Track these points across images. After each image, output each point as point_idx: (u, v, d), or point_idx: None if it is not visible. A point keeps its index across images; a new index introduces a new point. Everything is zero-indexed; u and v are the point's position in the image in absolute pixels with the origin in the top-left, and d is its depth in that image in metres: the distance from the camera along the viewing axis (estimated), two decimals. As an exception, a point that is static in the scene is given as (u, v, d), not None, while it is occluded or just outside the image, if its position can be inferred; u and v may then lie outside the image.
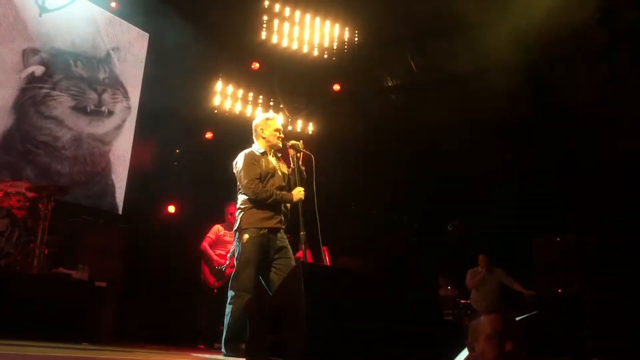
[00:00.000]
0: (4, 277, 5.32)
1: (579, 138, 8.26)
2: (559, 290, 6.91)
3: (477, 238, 7.99)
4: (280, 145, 4.75)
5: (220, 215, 7.32)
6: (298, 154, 4.69)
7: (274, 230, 4.54)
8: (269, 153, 4.75)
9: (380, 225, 9.16)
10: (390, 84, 9.81)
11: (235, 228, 4.61)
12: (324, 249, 5.20)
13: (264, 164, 4.62)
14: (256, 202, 4.51)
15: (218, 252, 6.97)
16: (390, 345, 3.74)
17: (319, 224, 4.51)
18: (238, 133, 9.04)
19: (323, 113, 9.14)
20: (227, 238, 7.07)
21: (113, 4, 7.83)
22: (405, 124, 10.04)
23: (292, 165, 4.71)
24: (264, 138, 4.74)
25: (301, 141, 4.78)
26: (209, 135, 9.05)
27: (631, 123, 7.53)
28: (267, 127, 4.75)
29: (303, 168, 4.70)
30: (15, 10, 6.92)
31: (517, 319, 4.51)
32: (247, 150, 4.72)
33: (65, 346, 4.80)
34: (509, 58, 7.70)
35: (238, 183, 4.66)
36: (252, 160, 4.62)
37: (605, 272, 6.92)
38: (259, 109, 9.17)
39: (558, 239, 7.08)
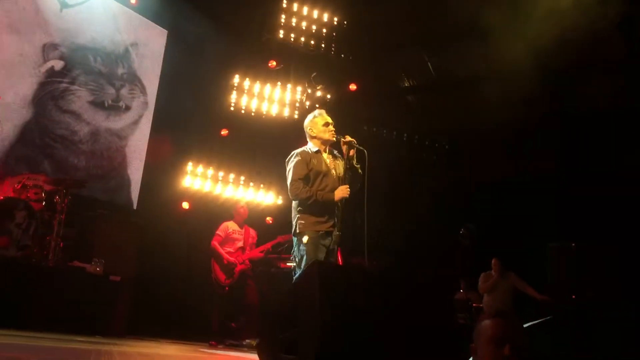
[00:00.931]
0: (21, 268, 5.39)
1: (597, 144, 8.19)
2: (573, 297, 6.84)
3: (492, 242, 7.93)
4: (334, 139, 4.63)
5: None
6: (351, 150, 4.57)
7: (328, 233, 4.47)
8: (323, 151, 4.66)
9: (397, 227, 9.16)
10: (407, 84, 9.78)
11: (293, 233, 4.53)
12: (337, 249, 5.19)
13: (315, 163, 4.54)
14: (304, 205, 4.46)
15: (227, 249, 6.99)
16: (404, 345, 3.73)
17: (366, 226, 4.45)
18: (254, 130, 9.11)
19: (339, 112, 9.12)
20: (236, 235, 7.10)
21: (133, 1, 7.88)
22: (422, 126, 10.03)
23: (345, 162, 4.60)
24: (315, 137, 4.67)
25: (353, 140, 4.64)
26: (224, 132, 9.07)
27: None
28: (315, 125, 4.67)
29: (357, 166, 4.59)
30: (36, 5, 6.99)
31: (529, 324, 4.49)
32: (299, 149, 4.64)
33: (79, 339, 4.85)
34: (526, 63, 7.64)
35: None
36: (301, 159, 4.53)
37: (620, 279, 6.85)
38: (275, 105, 9.15)
39: (573, 245, 7.00)
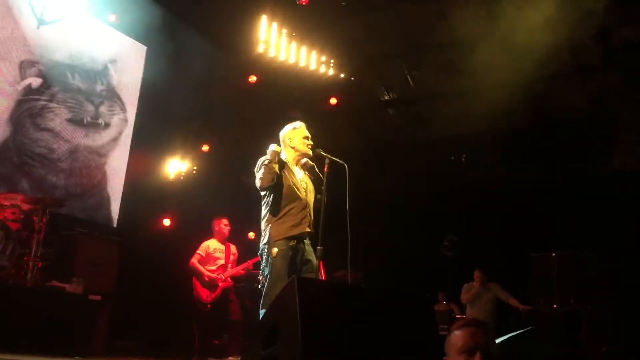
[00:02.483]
0: (-2, 290, 5.29)
1: (574, 153, 8.29)
2: (555, 306, 6.89)
3: (474, 253, 7.97)
4: (311, 153, 4.61)
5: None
6: (326, 162, 4.52)
7: (302, 237, 4.42)
8: (295, 164, 4.65)
9: (378, 240, 9.16)
10: (387, 97, 9.84)
11: (263, 242, 4.42)
12: (320, 263, 5.17)
13: (288, 174, 4.51)
14: (274, 212, 4.40)
15: (209, 267, 6.93)
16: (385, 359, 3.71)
17: (349, 240, 4.39)
18: (233, 146, 9.10)
19: (320, 127, 9.13)
20: (217, 254, 7.03)
21: (111, 17, 7.86)
22: (402, 138, 10.09)
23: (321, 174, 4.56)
24: (292, 148, 4.63)
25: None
26: (205, 148, 9.05)
27: (624, 138, 7.57)
28: (296, 136, 4.64)
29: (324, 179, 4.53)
30: (14, 22, 6.93)
31: (512, 334, 4.50)
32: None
33: (58, 360, 4.77)
34: (504, 72, 7.74)
35: (262, 197, 4.52)
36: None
37: (601, 288, 6.91)
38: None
39: (554, 254, 7.07)
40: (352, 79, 9.21)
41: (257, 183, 4.42)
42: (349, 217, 4.47)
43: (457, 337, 2.21)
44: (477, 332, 2.18)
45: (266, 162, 4.36)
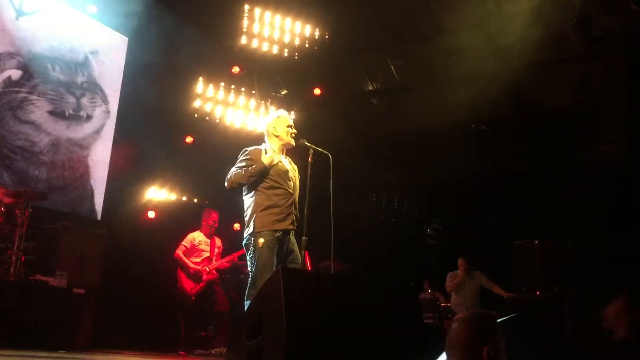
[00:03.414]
0: (-20, 284, 5.24)
1: (557, 142, 8.37)
2: (538, 293, 6.97)
3: (458, 242, 8.04)
4: (294, 143, 4.61)
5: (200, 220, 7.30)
6: (310, 152, 4.53)
7: (286, 232, 4.41)
8: (280, 153, 4.62)
9: (364, 230, 9.20)
10: (371, 88, 9.85)
11: (248, 232, 4.41)
12: (305, 253, 5.18)
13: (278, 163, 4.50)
14: (259, 203, 4.39)
15: (194, 260, 6.91)
16: (371, 349, 3.73)
17: (332, 230, 4.40)
18: (218, 138, 9.06)
19: (304, 117, 9.12)
20: (203, 246, 7.02)
21: (92, 8, 7.76)
22: (386, 128, 10.11)
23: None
24: (277, 136, 4.60)
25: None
26: (189, 139, 9.00)
27: (606, 127, 7.64)
28: (279, 124, 4.62)
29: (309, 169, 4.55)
30: (-9, 14, 6.83)
31: (498, 321, 4.55)
32: (252, 147, 4.57)
33: (42, 354, 4.74)
34: (487, 63, 7.78)
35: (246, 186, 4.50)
36: (257, 155, 4.46)
37: (583, 276, 7.00)
38: (240, 112, 9.12)
39: (536, 242, 7.14)
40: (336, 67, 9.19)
41: (226, 182, 4.44)
42: (332, 208, 4.47)
43: (460, 330, 2.08)
44: (483, 324, 2.08)
45: (250, 174, 4.36)
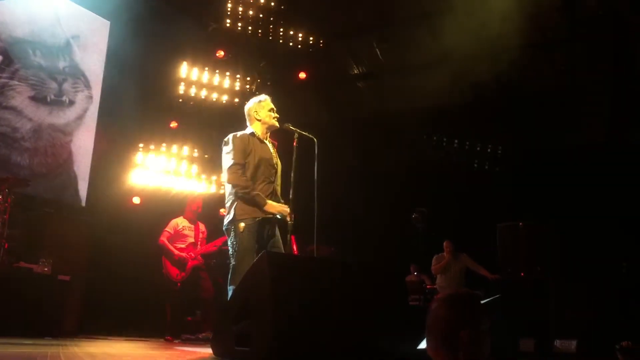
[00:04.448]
0: (-37, 272, 5.20)
1: (540, 125, 8.42)
2: (522, 274, 7.06)
3: (443, 224, 8.09)
4: (277, 125, 4.57)
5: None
6: (295, 136, 4.50)
7: (267, 220, 4.36)
8: (264, 137, 4.57)
9: (349, 213, 9.22)
10: (356, 71, 9.83)
11: (228, 219, 4.36)
12: (291, 237, 5.18)
13: (258, 149, 4.43)
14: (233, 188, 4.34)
15: (178, 246, 6.89)
16: (357, 331, 3.77)
17: (316, 213, 4.39)
18: (203, 121, 9.01)
19: (289, 101, 9.10)
20: (187, 232, 7.00)
21: (72, -9, 7.65)
22: (371, 111, 10.11)
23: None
24: (259, 120, 4.56)
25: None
26: (173, 124, 8.94)
27: (589, 111, 7.70)
28: (262, 109, 4.58)
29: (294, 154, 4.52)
30: (-30, -2, 6.71)
31: (482, 302, 4.60)
32: (239, 132, 4.49)
33: (28, 342, 4.72)
34: (471, 45, 7.78)
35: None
36: (244, 143, 4.40)
37: (567, 257, 7.10)
38: (225, 97, 9.08)
39: (521, 224, 7.22)
40: (321, 50, 9.15)
41: (230, 178, 4.35)
42: (316, 191, 4.47)
43: (438, 312, 1.95)
44: (461, 306, 1.94)
45: (258, 199, 4.29)
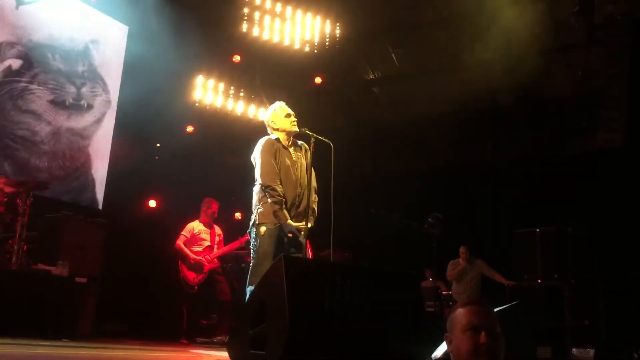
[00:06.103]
0: (-18, 274, 5.26)
1: (558, 130, 8.35)
2: (539, 281, 6.99)
3: (459, 230, 8.04)
4: (297, 129, 4.62)
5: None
6: (312, 141, 4.53)
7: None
8: (288, 144, 4.64)
9: (365, 218, 9.20)
10: (372, 76, 9.82)
11: (251, 223, 4.47)
12: (307, 242, 5.18)
13: (280, 155, 4.53)
14: (266, 192, 4.42)
15: (195, 249, 6.91)
16: (373, 337, 3.75)
17: (332, 221, 4.43)
18: (219, 127, 9.05)
19: (305, 106, 9.11)
20: (203, 235, 7.01)
21: (91, -3, 7.73)
22: (387, 116, 10.09)
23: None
24: (277, 129, 4.64)
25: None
26: (190, 129, 8.99)
27: (609, 115, 7.62)
28: (278, 117, 4.65)
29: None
30: (-9, 3, 6.80)
31: (497, 309, 4.56)
32: (265, 138, 4.59)
33: (46, 343, 4.76)
34: (488, 50, 7.75)
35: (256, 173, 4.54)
36: (269, 146, 4.51)
37: (583, 263, 7.02)
38: (240, 103, 9.12)
39: (537, 230, 7.15)
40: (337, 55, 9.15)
41: (263, 176, 4.44)
42: (333, 196, 4.48)
43: (460, 314, 2.19)
44: (481, 311, 2.16)
45: (279, 212, 4.35)
